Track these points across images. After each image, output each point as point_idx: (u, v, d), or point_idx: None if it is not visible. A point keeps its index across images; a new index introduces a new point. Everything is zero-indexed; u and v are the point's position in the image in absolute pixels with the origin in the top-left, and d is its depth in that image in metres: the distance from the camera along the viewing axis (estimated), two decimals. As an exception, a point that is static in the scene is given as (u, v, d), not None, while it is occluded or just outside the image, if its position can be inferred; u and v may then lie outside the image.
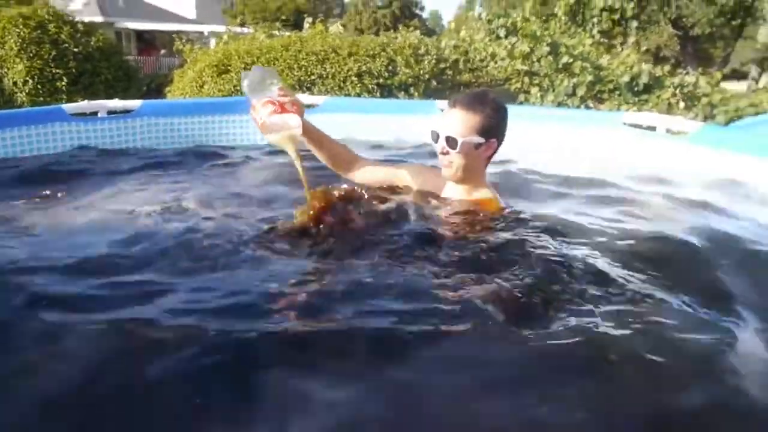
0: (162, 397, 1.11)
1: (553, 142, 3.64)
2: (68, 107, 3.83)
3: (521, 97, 8.18)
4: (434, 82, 7.37)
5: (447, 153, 1.83)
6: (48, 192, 2.64)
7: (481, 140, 1.80)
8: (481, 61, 8.67)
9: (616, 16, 12.57)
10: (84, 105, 3.93)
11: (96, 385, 1.14)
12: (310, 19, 9.71)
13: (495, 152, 1.89)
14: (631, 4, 12.46)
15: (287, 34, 10.25)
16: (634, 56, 8.59)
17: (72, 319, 1.35)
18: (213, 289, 1.50)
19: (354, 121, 4.24)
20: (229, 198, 2.53)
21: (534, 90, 8.12)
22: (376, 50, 7.42)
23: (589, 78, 7.79)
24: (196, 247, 1.80)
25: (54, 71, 8.41)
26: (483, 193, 1.93)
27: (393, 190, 2.09)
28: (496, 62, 8.50)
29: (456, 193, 1.95)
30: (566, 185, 2.66)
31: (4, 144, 3.59)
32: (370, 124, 4.23)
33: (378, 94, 7.29)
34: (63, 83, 8.46)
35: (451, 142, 1.80)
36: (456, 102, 1.83)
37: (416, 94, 7.26)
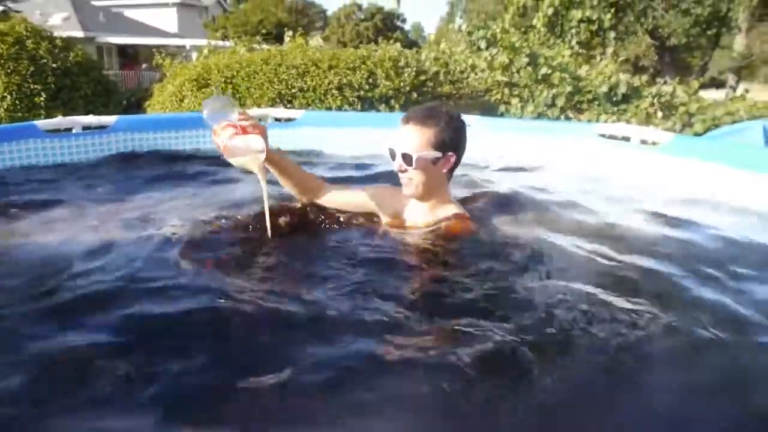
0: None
1: (529, 154, 3.67)
2: (42, 123, 3.80)
3: (502, 107, 8.24)
4: (415, 95, 7.40)
5: (405, 170, 1.81)
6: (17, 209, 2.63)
7: (438, 154, 1.79)
8: (462, 72, 8.72)
9: (594, 27, 12.75)
10: (58, 121, 3.89)
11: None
12: (290, 33, 9.72)
13: (456, 165, 1.87)
14: (609, 15, 12.65)
15: (267, 47, 10.27)
16: (612, 66, 8.70)
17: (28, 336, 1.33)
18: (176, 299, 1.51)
19: (332, 135, 4.24)
20: (200, 208, 2.53)
21: (514, 101, 8.18)
22: (357, 63, 7.45)
23: (569, 89, 7.86)
24: (164, 259, 1.80)
25: (32, 87, 8.33)
26: (447, 209, 1.90)
27: (360, 213, 2.08)
28: (476, 74, 8.55)
29: (420, 211, 1.93)
30: (541, 199, 2.68)
31: (-24, 161, 3.55)
32: (348, 138, 4.23)
33: (359, 106, 7.30)
34: (41, 99, 8.37)
35: (407, 159, 1.79)
36: (409, 118, 1.81)
37: (397, 106, 7.28)
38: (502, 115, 8.17)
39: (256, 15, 34.77)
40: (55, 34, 21.02)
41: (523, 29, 13.18)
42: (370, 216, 2.06)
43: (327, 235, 1.98)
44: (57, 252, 2.00)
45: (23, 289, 1.63)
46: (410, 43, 38.24)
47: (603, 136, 3.51)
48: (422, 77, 7.56)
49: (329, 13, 44.83)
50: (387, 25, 38.22)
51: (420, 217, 1.93)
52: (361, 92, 7.31)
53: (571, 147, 3.55)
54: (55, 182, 3.43)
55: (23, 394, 1.14)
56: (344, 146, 4.13)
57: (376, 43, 8.99)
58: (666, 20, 14.10)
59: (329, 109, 7.22)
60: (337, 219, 2.04)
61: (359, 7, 38.76)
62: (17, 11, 12.58)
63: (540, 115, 7.87)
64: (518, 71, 8.20)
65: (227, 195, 2.99)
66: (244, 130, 1.76)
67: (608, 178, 3.14)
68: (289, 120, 4.35)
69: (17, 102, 8.25)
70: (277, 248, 1.84)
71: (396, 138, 1.81)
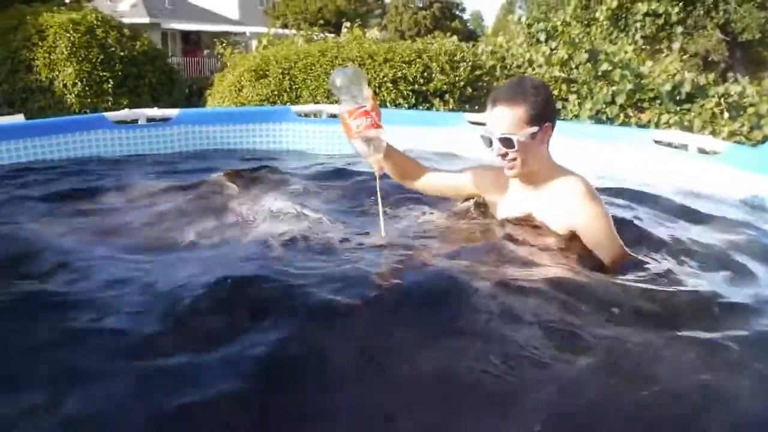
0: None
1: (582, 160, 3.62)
2: (110, 115, 4.00)
3: (558, 104, 8.09)
4: (470, 89, 7.35)
5: (506, 154, 1.77)
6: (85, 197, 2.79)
7: (535, 129, 1.75)
8: (518, 67, 8.60)
9: (660, 21, 12.29)
10: (125, 113, 4.08)
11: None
12: (348, 24, 9.79)
13: (552, 131, 1.83)
14: (676, 9, 12.17)
15: (327, 36, 10.38)
16: (677, 64, 8.39)
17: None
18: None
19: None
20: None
21: (572, 98, 8.01)
22: (412, 56, 7.45)
23: (629, 86, 7.64)
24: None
25: (101, 74, 8.71)
26: (560, 177, 1.85)
27: (464, 197, 2.13)
28: (533, 69, 8.41)
29: (529, 190, 1.89)
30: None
31: (51, 150, 3.76)
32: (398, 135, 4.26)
33: (413, 100, 7.31)
34: (109, 86, 8.75)
35: (506, 142, 1.74)
36: (496, 99, 1.77)
37: (451, 100, 7.26)
38: (558, 112, 8.03)
39: (316, 3, 34.97)
40: (123, 20, 21.83)
41: (585, 22, 12.86)
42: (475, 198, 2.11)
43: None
44: (122, 239, 2.12)
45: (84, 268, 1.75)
46: (468, 33, 37.82)
47: (659, 143, 3.43)
48: (478, 71, 7.49)
49: (387, 1, 44.79)
50: (445, 14, 37.86)
51: (535, 198, 1.89)
52: (416, 86, 7.31)
53: (626, 153, 3.48)
54: (119, 171, 3.62)
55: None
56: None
57: (434, 31, 8.95)
58: (739, 14, 13.45)
59: (383, 101, 7.26)
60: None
61: (418, -5, 38.51)
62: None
63: (598, 113, 7.68)
64: (577, 67, 8.02)
65: (283, 187, 3.09)
66: (376, 125, 1.83)
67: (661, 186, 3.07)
68: (334, 116, 4.42)
69: (87, 88, 8.65)
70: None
71: (488, 123, 1.78)
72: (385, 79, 7.35)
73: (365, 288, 1.52)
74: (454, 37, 9.43)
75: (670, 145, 3.36)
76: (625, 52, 8.77)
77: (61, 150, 3.78)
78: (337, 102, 1.93)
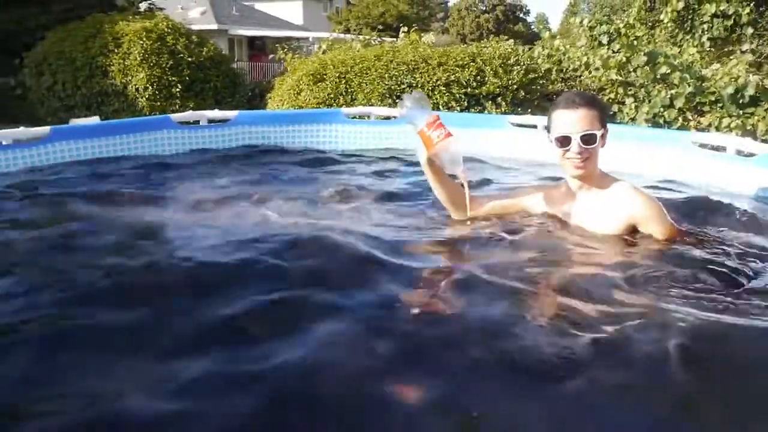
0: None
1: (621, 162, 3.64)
2: (175, 117, 4.30)
3: (615, 107, 7.99)
4: (522, 92, 7.38)
5: (583, 151, 1.95)
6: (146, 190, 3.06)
7: (603, 131, 1.98)
8: (575, 70, 8.55)
9: (730, 23, 11.83)
10: (188, 115, 4.39)
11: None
12: (405, 29, 9.97)
13: None
14: (747, 10, 11.68)
15: (385, 40, 10.60)
16: (742, 66, 8.12)
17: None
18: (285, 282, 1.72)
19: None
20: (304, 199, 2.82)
21: (629, 101, 7.90)
22: (466, 60, 7.55)
23: (689, 89, 7.47)
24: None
25: (170, 79, 9.21)
26: (615, 185, 2.05)
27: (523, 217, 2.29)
28: (590, 72, 8.34)
29: (584, 195, 2.08)
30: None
31: (122, 147, 4.10)
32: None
33: (465, 103, 7.41)
34: (177, 90, 9.24)
35: (590, 138, 1.93)
36: (578, 104, 1.95)
37: (503, 104, 7.31)
38: (614, 115, 7.93)
39: (378, 7, 35.43)
40: (193, 26, 22.72)
41: (649, 24, 12.54)
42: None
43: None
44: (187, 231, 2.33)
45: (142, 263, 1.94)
46: (533, 36, 37.28)
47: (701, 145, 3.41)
48: (531, 75, 7.50)
49: (451, 4, 44.79)
50: (508, 17, 37.55)
51: (592, 201, 2.07)
52: (469, 89, 7.40)
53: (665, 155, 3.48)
54: (184, 166, 3.91)
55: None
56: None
57: (497, 35, 8.99)
58: (816, 14, 12.75)
59: (436, 105, 7.38)
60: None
61: (480, -2, 38.36)
62: (160, 8, 13.81)
63: (656, 117, 7.55)
64: (635, 70, 7.90)
65: (331, 184, 3.27)
66: (449, 134, 1.98)
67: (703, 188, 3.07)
68: (388, 118, 4.59)
69: (157, 92, 9.17)
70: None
71: (566, 125, 1.95)
72: (438, 82, 7.48)
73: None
74: (510, 41, 9.47)
75: (711, 147, 3.34)
76: (690, 54, 8.57)
77: (132, 148, 4.11)
78: (400, 109, 2.08)
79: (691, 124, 7.42)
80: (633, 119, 7.70)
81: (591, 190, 2.06)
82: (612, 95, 8.05)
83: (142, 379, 1.26)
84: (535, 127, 4.04)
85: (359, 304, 1.59)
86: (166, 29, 9.41)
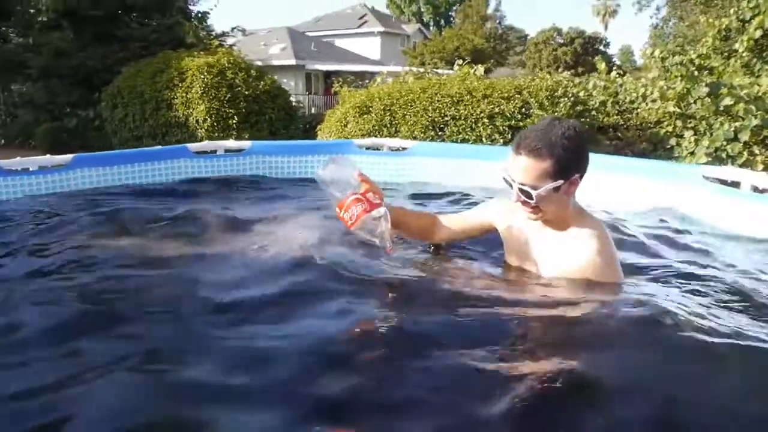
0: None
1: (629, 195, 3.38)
2: (192, 146, 4.42)
3: (672, 141, 7.53)
4: (569, 125, 7.08)
5: (525, 203, 1.71)
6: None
7: (560, 182, 1.64)
8: (631, 102, 8.17)
9: (815, 51, 10.97)
10: (205, 144, 4.50)
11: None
12: (460, 61, 9.92)
13: (580, 181, 1.72)
14: (835, 36, 10.81)
15: (439, 73, 10.58)
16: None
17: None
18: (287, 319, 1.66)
19: (441, 166, 4.31)
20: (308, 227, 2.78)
21: (687, 134, 7.42)
22: (511, 92, 7.37)
23: (755, 121, 6.92)
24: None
25: (228, 111, 9.59)
26: (580, 228, 1.77)
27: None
28: (646, 104, 7.94)
29: (546, 230, 1.83)
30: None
31: (140, 175, 4.24)
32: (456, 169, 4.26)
33: (509, 136, 7.20)
34: (234, 121, 9.59)
35: (525, 193, 1.67)
36: (520, 147, 1.65)
37: (549, 136, 7.04)
38: (671, 149, 7.47)
39: (453, 42, 35.67)
40: (273, 62, 23.61)
41: (725, 54, 11.85)
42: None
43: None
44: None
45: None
46: (611, 70, 36.11)
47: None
48: (579, 107, 7.21)
49: (531, 36, 44.41)
50: (587, 49, 36.73)
51: (550, 240, 1.83)
52: (513, 121, 7.21)
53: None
54: (197, 196, 3.98)
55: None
56: (454, 177, 4.17)
57: (575, 68, 8.74)
58: None
59: (479, 137, 7.23)
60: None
61: (558, 31, 37.79)
62: (230, 45, 14.47)
63: (717, 151, 7.03)
64: (695, 101, 7.44)
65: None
66: (372, 205, 1.75)
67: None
68: (399, 149, 4.51)
69: (215, 124, 9.56)
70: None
71: (511, 166, 1.70)
72: (482, 114, 7.33)
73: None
74: (567, 72, 9.20)
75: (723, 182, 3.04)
76: (759, 86, 7.98)
77: (150, 176, 4.25)
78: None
79: (758, 158, 6.86)
80: (692, 153, 7.22)
81: (555, 230, 1.81)
82: (670, 128, 7.61)
83: None
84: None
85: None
86: (227, 64, 9.83)
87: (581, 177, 1.70)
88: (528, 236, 1.88)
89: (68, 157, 4.06)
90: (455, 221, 2.11)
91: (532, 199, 1.66)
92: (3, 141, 13.92)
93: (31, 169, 3.96)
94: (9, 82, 14.43)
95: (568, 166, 1.63)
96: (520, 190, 1.67)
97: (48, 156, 4.13)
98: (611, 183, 3.46)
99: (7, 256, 2.37)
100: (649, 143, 7.70)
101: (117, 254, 2.33)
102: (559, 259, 1.78)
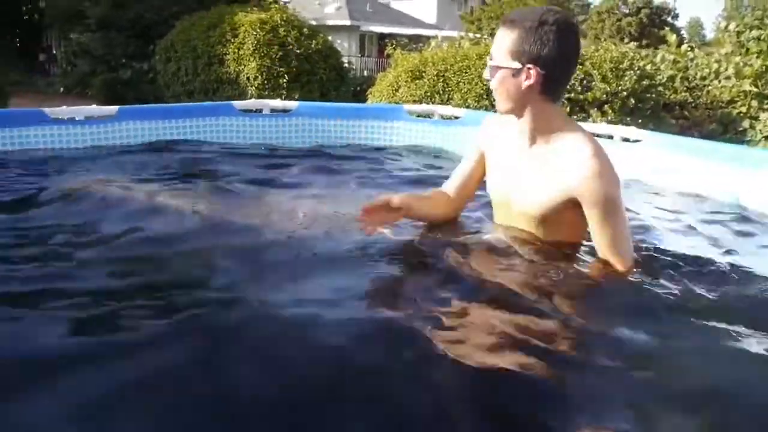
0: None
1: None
2: (237, 104, 4.31)
3: (746, 123, 7.03)
4: (632, 100, 6.67)
5: (489, 81, 1.57)
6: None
7: (516, 66, 1.48)
8: (703, 78, 7.65)
9: None
10: (251, 103, 4.38)
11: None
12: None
13: (549, 83, 1.50)
14: None
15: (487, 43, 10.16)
16: None
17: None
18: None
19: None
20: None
21: (764, 116, 6.92)
22: (573, 62, 6.98)
23: (842, 105, 6.39)
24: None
25: (278, 69, 9.45)
26: (567, 136, 1.55)
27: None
28: (719, 81, 7.42)
29: (529, 146, 1.62)
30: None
31: (184, 132, 4.17)
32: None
33: (567, 109, 6.84)
34: (284, 80, 9.46)
35: (488, 69, 1.55)
36: (503, 19, 1.54)
37: (610, 111, 6.66)
38: (744, 131, 6.98)
39: (512, 7, 34.50)
40: (328, 22, 23.34)
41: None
42: None
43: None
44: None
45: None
46: (681, 43, 34.33)
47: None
48: (645, 82, 6.77)
49: (594, 5, 42.55)
50: (654, 21, 34.98)
51: (534, 157, 1.62)
52: (573, 94, 6.83)
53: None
54: (240, 158, 3.88)
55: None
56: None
57: (639, 40, 8.29)
58: None
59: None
60: None
61: (624, 0, 36.07)
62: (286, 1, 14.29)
63: (795, 135, 6.54)
64: (775, 81, 6.91)
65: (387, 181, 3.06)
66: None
67: None
68: (451, 117, 4.29)
69: (265, 82, 9.45)
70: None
71: None
72: (540, 84, 6.98)
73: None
74: (632, 44, 8.69)
75: None
76: None
77: (193, 132, 4.17)
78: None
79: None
80: (766, 137, 6.74)
81: (537, 145, 1.59)
82: (743, 109, 7.10)
83: None
84: (611, 137, 3.56)
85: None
86: (279, 21, 9.66)
87: (547, 78, 1.49)
88: (512, 157, 1.66)
89: (114, 108, 4.01)
90: (465, 173, 1.86)
91: (489, 77, 1.55)
92: (62, 89, 14.22)
93: (77, 118, 3.93)
94: (68, 32, 14.65)
95: (527, 50, 1.46)
96: (488, 65, 1.56)
97: (94, 106, 4.10)
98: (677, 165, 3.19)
99: (42, 205, 2.33)
100: (719, 124, 7.21)
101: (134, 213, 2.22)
102: (546, 178, 1.56)
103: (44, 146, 3.70)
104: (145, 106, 4.28)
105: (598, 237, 1.54)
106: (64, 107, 3.93)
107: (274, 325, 1.31)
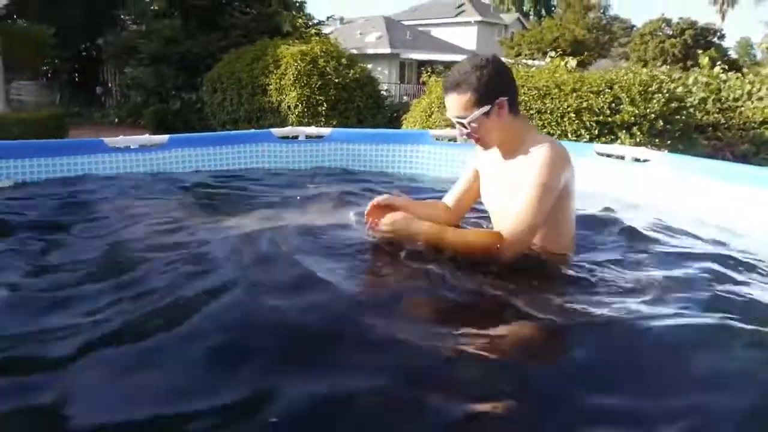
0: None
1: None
2: (276, 131, 4.66)
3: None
4: (661, 122, 6.77)
5: (464, 133, 1.89)
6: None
7: (486, 108, 1.83)
8: (735, 100, 7.67)
9: None
10: (288, 130, 4.72)
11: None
12: (552, 53, 9.68)
13: (512, 102, 1.88)
14: None
15: (529, 64, 10.37)
16: None
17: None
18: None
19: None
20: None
21: (798, 138, 6.91)
22: (602, 87, 7.12)
23: None
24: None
25: (317, 98, 9.89)
26: (532, 144, 1.87)
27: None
28: (752, 102, 7.44)
29: (506, 157, 1.95)
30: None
31: (227, 158, 4.53)
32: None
33: (596, 131, 6.99)
34: (323, 108, 9.88)
35: (462, 125, 1.87)
36: (446, 88, 1.88)
37: (639, 133, 6.77)
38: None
39: (553, 32, 34.61)
40: (369, 50, 23.86)
41: None
42: None
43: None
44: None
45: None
46: (730, 64, 33.60)
47: None
48: (674, 104, 6.87)
49: (638, 27, 42.15)
50: (699, 41, 34.44)
51: (509, 166, 1.95)
52: (601, 117, 6.98)
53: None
54: (276, 183, 4.18)
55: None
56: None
57: (684, 62, 8.36)
58: None
59: (564, 133, 7.06)
60: None
61: (667, 22, 35.68)
62: (325, 33, 14.84)
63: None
64: (808, 102, 6.90)
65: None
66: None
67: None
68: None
69: (305, 110, 9.89)
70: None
71: (447, 109, 1.93)
72: (569, 109, 7.14)
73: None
74: (665, 67, 8.77)
75: None
76: None
77: (235, 160, 4.53)
78: None
79: None
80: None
81: (512, 154, 1.93)
82: (776, 130, 7.10)
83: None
84: (623, 158, 3.73)
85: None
86: (319, 52, 10.13)
87: (510, 100, 1.87)
88: (495, 170, 2.01)
89: (165, 137, 4.41)
90: (464, 187, 2.20)
91: (466, 127, 1.86)
92: (117, 120, 15.06)
93: (132, 147, 4.32)
94: (124, 66, 15.57)
95: (487, 93, 1.82)
96: (457, 123, 1.88)
97: (147, 135, 4.50)
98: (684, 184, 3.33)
99: (96, 229, 2.63)
100: (752, 144, 7.21)
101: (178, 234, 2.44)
102: (519, 183, 1.86)
103: (103, 173, 4.09)
104: (193, 134, 4.65)
105: (517, 200, 1.83)
106: (121, 137, 4.33)
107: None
